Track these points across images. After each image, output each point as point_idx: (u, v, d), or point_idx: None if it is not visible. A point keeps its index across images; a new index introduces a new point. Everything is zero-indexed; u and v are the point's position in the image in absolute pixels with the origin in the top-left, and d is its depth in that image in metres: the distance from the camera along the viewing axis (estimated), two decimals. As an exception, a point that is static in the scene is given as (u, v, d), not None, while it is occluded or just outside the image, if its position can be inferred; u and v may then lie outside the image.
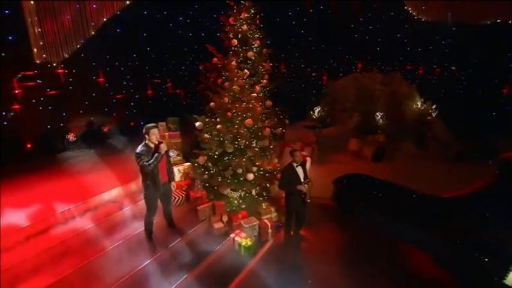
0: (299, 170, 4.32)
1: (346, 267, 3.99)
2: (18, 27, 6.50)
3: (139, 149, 3.76)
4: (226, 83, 4.99)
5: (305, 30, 13.14)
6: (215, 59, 5.18)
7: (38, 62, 6.81)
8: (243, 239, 4.31)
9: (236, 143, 4.95)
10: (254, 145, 5.05)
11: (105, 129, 8.10)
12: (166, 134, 6.37)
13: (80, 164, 6.75)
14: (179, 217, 4.70)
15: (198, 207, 4.76)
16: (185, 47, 10.53)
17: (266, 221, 4.73)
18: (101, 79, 8.02)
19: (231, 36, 5.27)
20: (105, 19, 7.54)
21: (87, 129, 7.89)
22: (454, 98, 12.04)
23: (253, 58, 5.31)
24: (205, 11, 10.04)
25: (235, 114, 4.88)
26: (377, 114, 10.74)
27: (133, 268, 3.66)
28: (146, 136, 3.78)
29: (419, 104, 10.65)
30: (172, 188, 4.26)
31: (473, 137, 8.80)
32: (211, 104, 5.12)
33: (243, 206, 5.03)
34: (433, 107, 10.34)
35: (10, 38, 6.58)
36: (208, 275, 3.74)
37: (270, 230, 4.63)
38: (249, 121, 4.87)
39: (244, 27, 5.20)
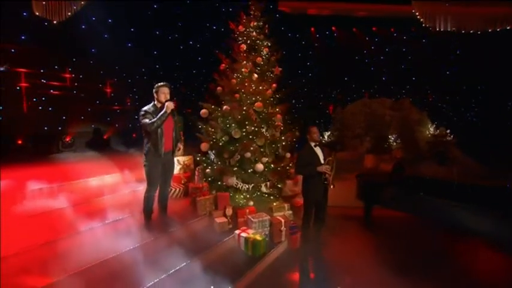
0: (318, 150, 3.66)
1: (387, 276, 3.04)
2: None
3: (145, 107, 3.27)
4: (236, 65, 4.66)
5: (312, 61, 13.50)
6: (223, 65, 4.95)
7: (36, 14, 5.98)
8: (250, 235, 3.45)
9: (244, 130, 4.39)
10: (264, 131, 4.48)
11: (105, 137, 7.67)
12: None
13: (69, 160, 6.13)
14: (174, 210, 3.85)
15: (198, 199, 3.95)
16: (194, 69, 10.73)
17: (279, 217, 3.88)
18: (108, 89, 7.92)
19: (239, 41, 5.14)
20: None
21: (92, 137, 7.49)
22: (467, 124, 11.65)
23: (261, 63, 5.09)
24: (215, 36, 10.47)
25: (243, 96, 4.43)
26: (390, 137, 10.30)
27: (115, 252, 2.81)
28: (155, 95, 3.31)
29: (431, 129, 10.33)
30: (180, 147, 3.60)
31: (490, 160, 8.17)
32: (218, 88, 4.72)
33: (251, 203, 4.21)
34: (448, 131, 10.00)
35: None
36: (205, 273, 2.84)
37: (283, 228, 3.75)
38: (258, 104, 4.39)
39: (253, 33, 5.12)
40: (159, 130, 3.24)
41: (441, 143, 9.60)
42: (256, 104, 4.38)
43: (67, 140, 6.77)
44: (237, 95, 4.44)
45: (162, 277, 2.60)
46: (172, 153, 3.52)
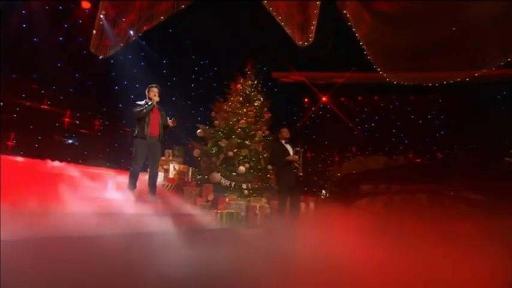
0: (287, 146, 4.43)
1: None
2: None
3: (138, 102, 4.26)
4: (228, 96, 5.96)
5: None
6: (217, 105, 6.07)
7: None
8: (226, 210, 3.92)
9: (231, 139, 5.31)
10: (248, 143, 5.35)
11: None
12: (171, 158, 6.77)
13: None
14: (162, 195, 4.39)
15: (185, 188, 4.54)
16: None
17: (255, 204, 4.34)
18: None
19: (236, 94, 6.25)
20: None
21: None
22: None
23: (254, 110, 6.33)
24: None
25: (231, 114, 5.53)
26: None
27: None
28: (147, 94, 4.34)
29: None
30: (171, 124, 4.29)
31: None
32: (213, 113, 5.89)
33: (232, 195, 4.72)
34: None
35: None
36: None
37: (258, 211, 4.17)
38: (242, 121, 5.43)
39: (248, 89, 6.58)
40: (146, 118, 4.10)
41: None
42: (240, 120, 5.43)
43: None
44: (226, 114, 5.55)
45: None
46: (159, 139, 4.29)
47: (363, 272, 1.91)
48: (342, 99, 14.46)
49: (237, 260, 2.33)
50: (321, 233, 3.51)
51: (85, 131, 8.60)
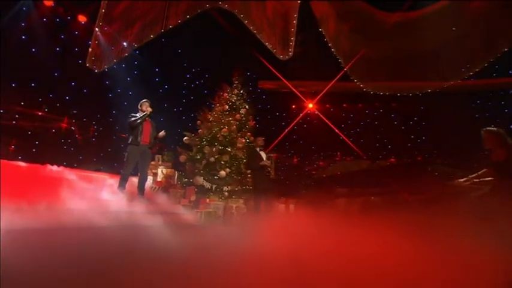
0: (261, 152, 5.05)
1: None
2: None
3: (133, 114, 4.86)
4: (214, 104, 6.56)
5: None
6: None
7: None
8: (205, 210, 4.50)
9: (214, 148, 5.89)
10: (229, 149, 5.94)
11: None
12: (160, 162, 7.31)
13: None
14: (150, 196, 4.95)
15: (170, 190, 5.11)
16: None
17: (233, 204, 4.93)
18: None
19: (222, 102, 6.87)
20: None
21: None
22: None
23: (239, 118, 6.88)
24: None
25: (214, 124, 6.13)
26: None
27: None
28: (139, 107, 4.94)
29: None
30: (160, 135, 4.85)
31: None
32: (198, 122, 6.47)
33: (213, 197, 5.30)
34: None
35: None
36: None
37: (234, 211, 4.76)
38: (224, 130, 6.03)
39: (234, 98, 7.20)
40: (139, 128, 4.68)
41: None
42: (223, 129, 6.02)
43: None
44: (209, 124, 6.14)
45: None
46: (149, 147, 4.88)
47: (322, 263, 2.11)
48: (328, 106, 15.19)
49: (207, 250, 2.89)
50: (285, 228, 4.12)
51: (80, 137, 9.11)
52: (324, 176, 12.26)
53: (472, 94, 12.99)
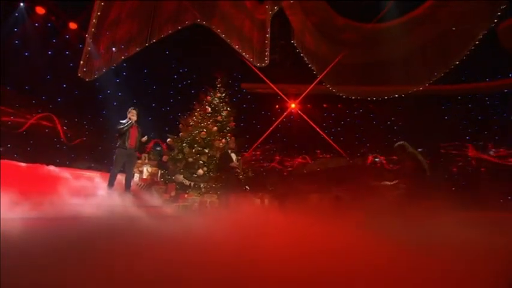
0: (232, 154, 5.85)
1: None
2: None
3: (121, 121, 5.57)
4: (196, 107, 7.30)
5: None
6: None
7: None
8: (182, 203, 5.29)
9: (193, 149, 6.66)
10: (207, 151, 6.72)
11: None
12: (146, 161, 8.03)
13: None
14: (136, 192, 5.72)
15: (154, 187, 5.88)
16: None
17: (207, 199, 5.73)
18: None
19: (205, 104, 7.77)
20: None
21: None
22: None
23: (221, 120, 7.67)
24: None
25: (194, 127, 6.88)
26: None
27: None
28: (128, 114, 5.65)
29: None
30: (144, 139, 5.51)
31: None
32: (180, 125, 7.21)
33: (190, 191, 6.11)
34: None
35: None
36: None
37: (208, 205, 5.57)
38: (203, 133, 6.80)
39: (216, 100, 7.93)
40: (127, 133, 5.38)
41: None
42: (202, 132, 6.78)
43: None
44: (190, 128, 6.89)
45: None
46: (135, 150, 5.61)
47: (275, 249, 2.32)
48: (309, 106, 16.03)
49: (180, 234, 3.68)
50: (248, 219, 4.95)
51: (72, 136, 9.73)
52: (305, 172, 13.23)
53: (443, 98, 13.97)
